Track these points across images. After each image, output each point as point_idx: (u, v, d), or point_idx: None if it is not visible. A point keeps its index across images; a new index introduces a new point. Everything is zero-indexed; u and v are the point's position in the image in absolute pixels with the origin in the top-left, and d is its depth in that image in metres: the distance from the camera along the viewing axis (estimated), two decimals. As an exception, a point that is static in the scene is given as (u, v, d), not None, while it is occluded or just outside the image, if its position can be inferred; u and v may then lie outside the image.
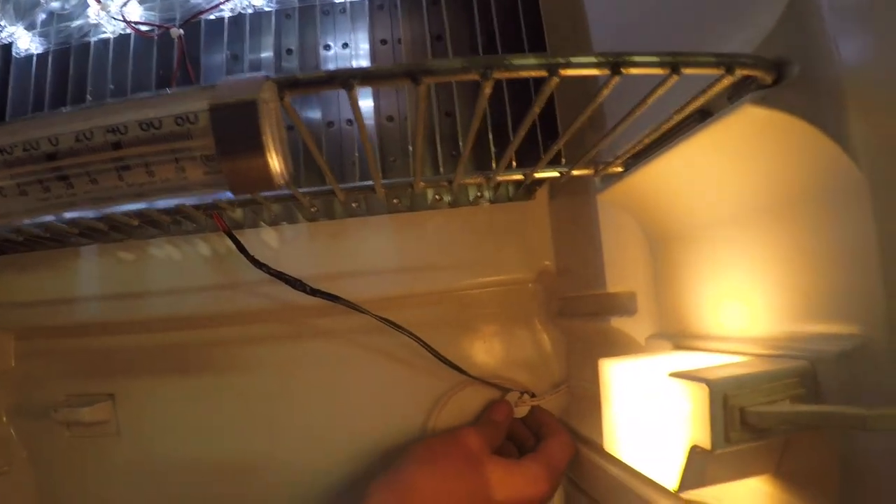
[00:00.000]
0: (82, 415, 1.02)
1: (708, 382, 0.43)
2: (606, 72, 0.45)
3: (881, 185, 0.40)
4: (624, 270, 0.74)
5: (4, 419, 1.06)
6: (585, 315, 0.84)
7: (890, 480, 0.39)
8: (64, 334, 1.06)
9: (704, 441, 0.44)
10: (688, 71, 0.45)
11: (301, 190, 0.72)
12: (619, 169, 0.67)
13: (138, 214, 0.77)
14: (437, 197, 0.95)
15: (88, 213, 0.75)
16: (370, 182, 0.71)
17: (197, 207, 0.76)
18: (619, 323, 0.75)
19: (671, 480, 0.48)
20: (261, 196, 0.72)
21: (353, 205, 0.95)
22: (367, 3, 1.01)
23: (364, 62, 1.01)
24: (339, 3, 1.02)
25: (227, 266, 0.96)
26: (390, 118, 0.98)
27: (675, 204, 0.64)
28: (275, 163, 0.42)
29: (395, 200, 0.95)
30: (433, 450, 0.83)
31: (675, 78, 0.45)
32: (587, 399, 0.90)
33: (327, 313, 0.98)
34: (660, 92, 0.48)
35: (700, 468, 0.47)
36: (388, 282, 0.96)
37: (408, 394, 1.02)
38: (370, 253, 0.96)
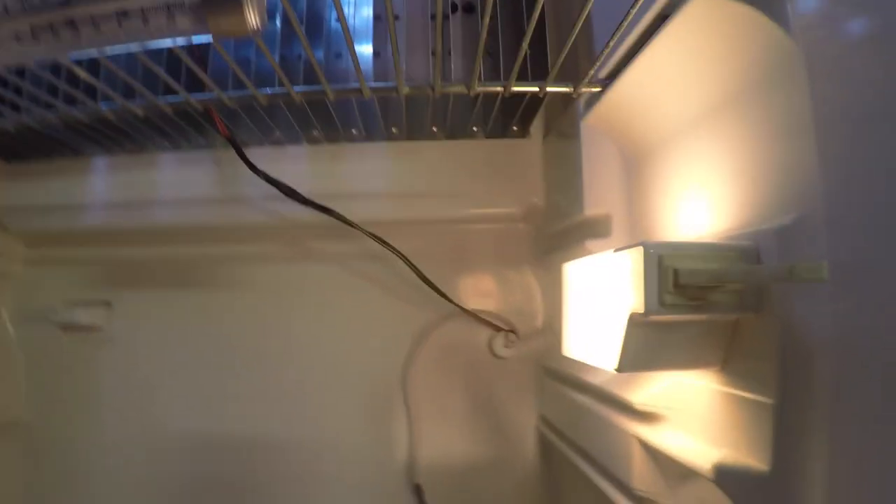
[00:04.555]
0: (78, 316, 1.07)
1: (644, 244, 0.46)
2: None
3: (814, 56, 0.42)
4: (601, 194, 0.77)
5: (7, 321, 1.11)
6: (566, 247, 0.87)
7: (825, 368, 0.41)
8: (70, 242, 1.10)
9: (640, 305, 0.46)
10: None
11: (296, 88, 0.75)
12: (598, 88, 0.70)
13: (144, 108, 0.79)
14: (433, 128, 0.97)
15: (98, 106, 0.79)
16: (357, 84, 0.74)
17: (200, 102, 0.79)
18: (593, 245, 0.78)
19: (613, 361, 0.50)
20: (257, 92, 0.75)
21: (353, 131, 0.98)
22: None
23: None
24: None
25: (231, 181, 0.99)
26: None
27: (647, 118, 0.67)
28: (250, 15, 0.46)
29: (393, 129, 0.98)
30: None
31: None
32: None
33: (323, 236, 1.03)
34: None
35: (640, 341, 0.49)
36: (382, 206, 0.99)
37: (395, 321, 1.05)
38: (366, 177, 0.99)
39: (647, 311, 0.45)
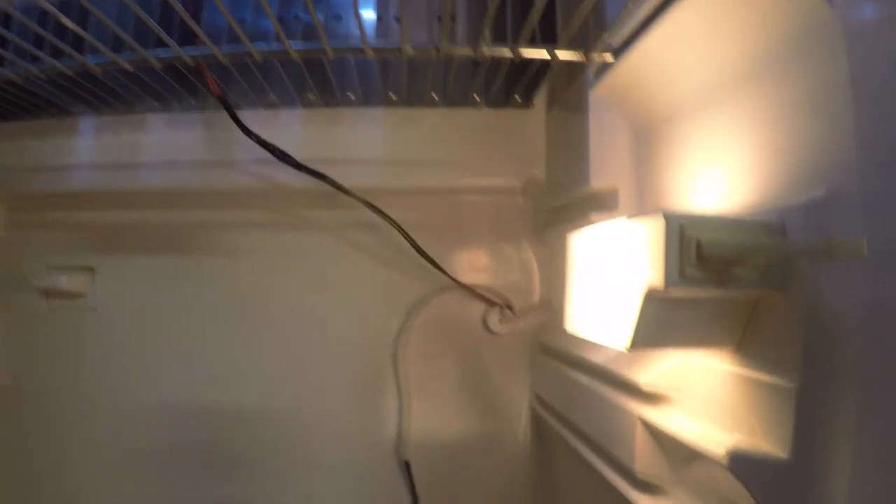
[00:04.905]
0: (61, 282, 1.05)
1: (665, 214, 0.43)
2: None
3: (854, 25, 0.40)
4: (608, 166, 0.74)
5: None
6: (568, 221, 0.84)
7: (854, 351, 0.38)
8: (54, 205, 1.08)
9: (658, 278, 0.43)
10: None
11: (293, 45, 0.72)
12: (610, 59, 0.67)
13: (133, 62, 0.76)
14: (433, 95, 0.94)
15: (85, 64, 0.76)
16: (358, 44, 0.71)
17: (192, 58, 0.76)
18: (599, 219, 0.75)
19: (624, 339, 0.48)
20: (253, 47, 0.72)
21: (350, 95, 0.95)
22: None
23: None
24: None
25: (221, 144, 0.96)
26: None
27: (662, 83, 0.65)
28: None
29: (391, 95, 0.95)
30: None
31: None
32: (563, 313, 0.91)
33: (315, 203, 1.00)
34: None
35: (654, 317, 0.46)
36: (377, 173, 0.96)
37: (387, 293, 1.03)
38: (362, 143, 0.96)
39: (667, 285, 0.42)
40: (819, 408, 0.39)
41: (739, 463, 0.44)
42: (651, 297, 0.45)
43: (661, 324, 0.47)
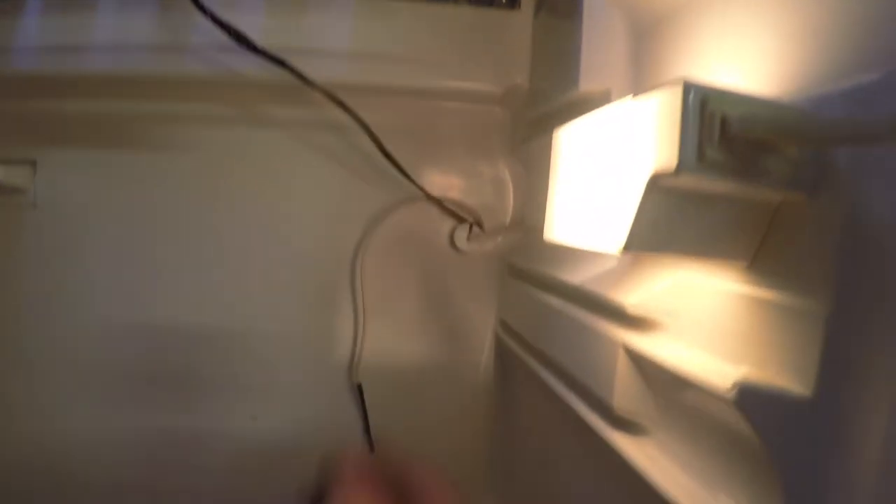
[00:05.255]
0: None
1: (685, 82, 0.34)
2: None
3: None
4: (601, 67, 0.66)
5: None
6: (551, 130, 0.77)
7: None
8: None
9: (669, 160, 0.34)
10: None
11: None
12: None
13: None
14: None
15: None
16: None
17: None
18: (588, 123, 0.68)
19: (618, 239, 0.39)
20: None
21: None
22: None
23: None
24: None
25: (177, 27, 0.87)
26: None
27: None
28: None
29: (366, -17, 0.86)
30: None
31: None
32: (538, 230, 0.84)
33: (275, 98, 0.92)
34: None
35: (657, 213, 0.38)
36: (345, 66, 0.87)
37: (348, 200, 0.95)
38: (330, 33, 0.88)
39: (681, 167, 0.33)
40: (854, 337, 0.32)
41: (748, 398, 0.37)
42: (656, 185, 0.36)
43: (664, 222, 0.39)
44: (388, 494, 0.52)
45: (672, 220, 0.39)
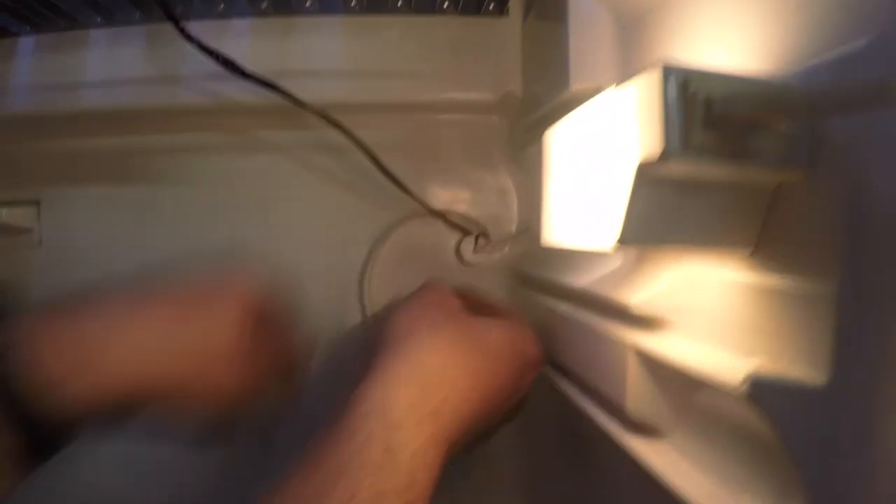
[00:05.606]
0: (3, 216, 0.97)
1: (662, 64, 0.33)
2: None
3: None
4: (591, 66, 0.65)
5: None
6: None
7: None
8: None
9: (655, 146, 0.33)
10: None
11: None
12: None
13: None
14: (397, 1, 0.85)
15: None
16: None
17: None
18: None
19: (611, 234, 0.38)
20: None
21: (306, 2, 0.86)
22: None
23: None
24: None
25: (167, 58, 0.87)
26: None
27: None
28: None
29: (351, 2, 0.86)
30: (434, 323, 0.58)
31: None
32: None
33: (270, 122, 0.91)
34: None
35: (650, 204, 0.37)
36: (336, 86, 0.87)
37: (351, 220, 0.94)
38: (320, 54, 0.87)
39: (667, 154, 0.32)
40: (866, 316, 0.31)
41: (762, 390, 0.35)
42: (645, 175, 0.35)
43: (658, 214, 0.37)
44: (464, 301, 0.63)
45: (666, 211, 0.37)
